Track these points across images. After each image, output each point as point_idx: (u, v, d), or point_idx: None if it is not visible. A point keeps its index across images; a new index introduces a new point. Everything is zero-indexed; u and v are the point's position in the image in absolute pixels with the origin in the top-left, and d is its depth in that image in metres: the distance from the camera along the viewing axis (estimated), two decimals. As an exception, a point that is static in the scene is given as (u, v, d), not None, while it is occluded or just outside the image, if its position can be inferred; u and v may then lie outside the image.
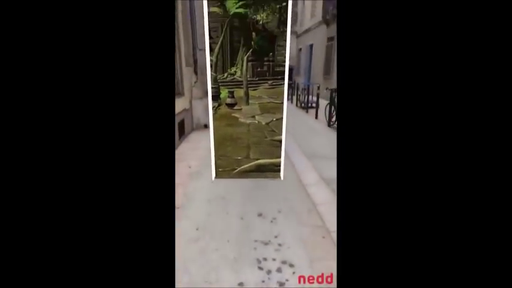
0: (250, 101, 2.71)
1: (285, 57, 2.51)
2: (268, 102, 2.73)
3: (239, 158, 2.90)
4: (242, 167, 2.91)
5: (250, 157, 2.88)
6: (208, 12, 2.34)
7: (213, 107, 2.67)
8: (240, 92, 2.66)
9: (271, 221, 2.10)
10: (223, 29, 2.44)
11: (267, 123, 2.81)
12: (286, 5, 2.36)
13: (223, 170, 2.91)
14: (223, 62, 2.51)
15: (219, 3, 2.36)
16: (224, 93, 2.65)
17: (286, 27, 2.41)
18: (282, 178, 2.90)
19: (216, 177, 2.89)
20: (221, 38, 2.47)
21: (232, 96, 2.65)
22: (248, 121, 2.77)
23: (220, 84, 2.59)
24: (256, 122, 2.79)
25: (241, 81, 2.59)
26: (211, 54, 2.49)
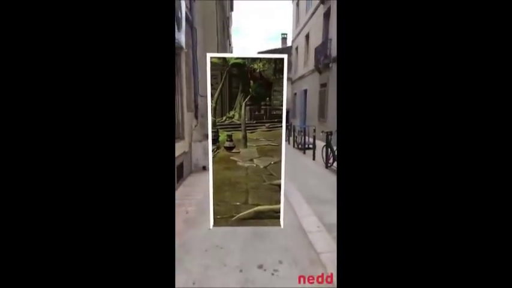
0: (248, 144, 2.70)
1: (280, 101, 2.60)
2: (266, 145, 2.73)
3: (237, 203, 2.79)
4: (240, 214, 2.80)
5: (249, 202, 2.77)
6: (209, 63, 2.48)
7: (212, 150, 2.66)
8: (238, 135, 2.67)
9: (272, 274, 1.94)
10: (223, 77, 2.55)
11: (265, 167, 2.77)
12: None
13: (222, 217, 2.79)
14: (222, 106, 2.59)
15: (219, 56, 2.53)
16: (223, 136, 2.65)
17: (281, 74, 2.54)
18: (282, 226, 2.77)
19: (214, 225, 2.76)
20: (220, 85, 2.56)
21: (231, 140, 2.66)
22: (246, 164, 2.72)
23: (219, 127, 2.62)
24: (255, 165, 2.74)
25: (239, 124, 2.63)
26: (211, 100, 2.57)
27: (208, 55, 2.48)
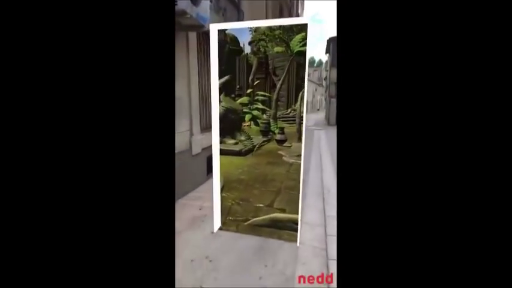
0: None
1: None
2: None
3: (261, 205, 2.47)
4: (255, 218, 2.38)
5: (274, 206, 2.44)
6: (277, 52, 2.24)
7: (259, 143, 2.40)
8: (293, 128, 2.37)
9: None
10: (288, 67, 2.28)
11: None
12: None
13: (234, 220, 2.45)
14: (288, 98, 2.34)
15: (284, 44, 2.22)
16: (276, 129, 2.40)
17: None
18: (298, 243, 2.20)
19: (221, 227, 2.38)
20: (283, 75, 2.29)
21: (283, 133, 2.38)
22: (291, 160, 2.39)
23: (282, 119, 2.36)
24: (300, 162, 2.37)
25: (301, 117, 2.31)
26: (271, 92, 2.33)
27: (213, 26, 2.05)
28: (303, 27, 2.04)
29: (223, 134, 2.44)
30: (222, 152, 2.44)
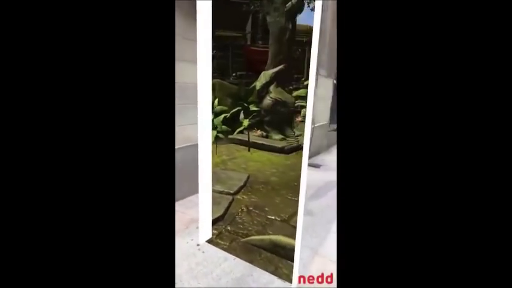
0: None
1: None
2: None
3: (275, 218, 2.03)
4: (253, 237, 2.00)
5: (290, 222, 1.98)
6: None
7: None
8: None
9: None
10: None
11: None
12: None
13: (233, 232, 2.07)
14: None
15: None
16: None
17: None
18: (293, 285, 1.67)
19: (211, 239, 2.05)
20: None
21: None
22: None
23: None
24: None
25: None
26: None
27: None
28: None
29: (269, 127, 2.20)
30: (263, 148, 2.21)
